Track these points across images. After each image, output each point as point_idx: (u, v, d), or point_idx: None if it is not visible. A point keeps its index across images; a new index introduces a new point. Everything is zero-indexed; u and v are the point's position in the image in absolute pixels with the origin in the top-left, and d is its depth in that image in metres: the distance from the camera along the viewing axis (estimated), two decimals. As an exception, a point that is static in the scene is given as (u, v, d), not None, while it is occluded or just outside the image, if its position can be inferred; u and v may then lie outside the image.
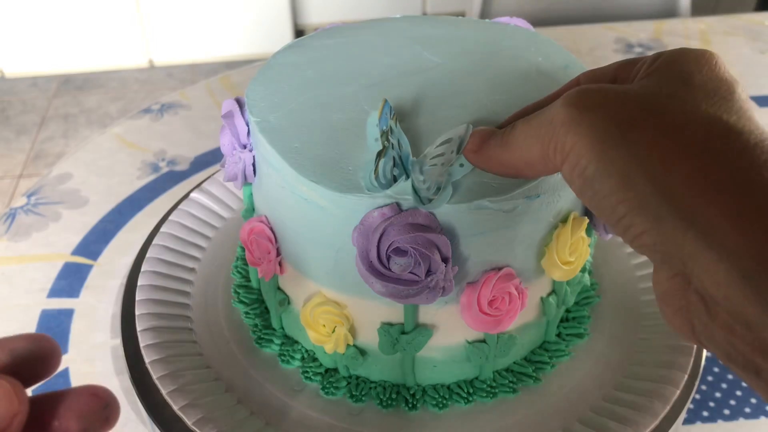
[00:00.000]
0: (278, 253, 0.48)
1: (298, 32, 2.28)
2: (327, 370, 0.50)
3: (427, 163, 0.40)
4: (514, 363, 0.51)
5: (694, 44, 1.00)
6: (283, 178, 0.44)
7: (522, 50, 0.52)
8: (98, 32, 2.14)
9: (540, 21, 1.17)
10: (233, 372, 0.51)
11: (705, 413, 0.55)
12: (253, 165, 0.49)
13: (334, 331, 0.46)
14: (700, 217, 0.27)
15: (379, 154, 0.39)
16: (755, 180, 0.27)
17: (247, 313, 0.54)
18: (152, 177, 0.77)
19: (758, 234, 0.26)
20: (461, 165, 0.41)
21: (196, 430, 0.46)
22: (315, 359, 0.51)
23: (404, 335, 0.46)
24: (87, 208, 0.73)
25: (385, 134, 0.40)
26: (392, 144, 0.40)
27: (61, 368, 0.58)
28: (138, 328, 0.52)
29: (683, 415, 0.48)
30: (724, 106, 0.30)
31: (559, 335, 0.53)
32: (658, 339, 0.52)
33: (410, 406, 0.48)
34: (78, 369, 0.58)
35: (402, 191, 0.40)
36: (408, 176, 0.40)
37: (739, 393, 0.56)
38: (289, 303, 0.50)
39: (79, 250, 0.68)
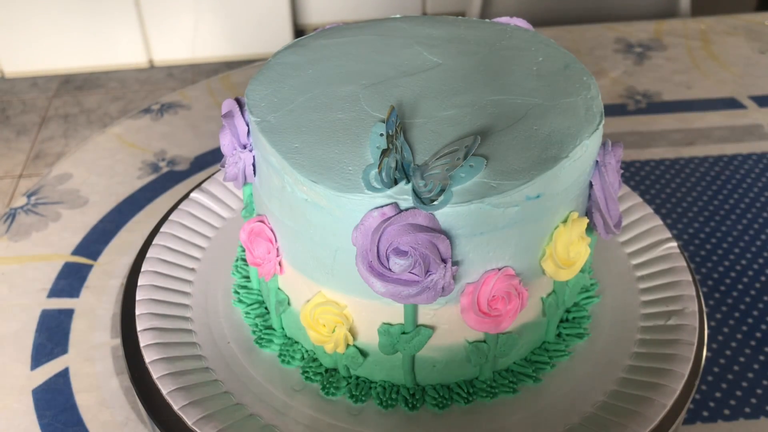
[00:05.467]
0: (278, 253, 0.48)
1: (298, 32, 2.28)
2: (327, 370, 0.50)
3: (428, 170, 0.41)
4: (514, 363, 0.51)
5: (694, 44, 1.00)
6: (283, 178, 0.44)
7: (522, 50, 0.52)
8: (98, 32, 2.14)
9: (540, 21, 1.17)
10: (233, 372, 0.51)
11: (705, 413, 0.55)
12: (253, 165, 0.49)
13: (334, 331, 0.46)
14: None
15: (384, 152, 0.40)
16: None
17: (247, 313, 0.54)
18: (152, 177, 0.77)
19: None
20: (471, 165, 0.41)
21: (196, 430, 0.46)
22: (315, 359, 0.51)
23: (404, 335, 0.46)
24: (87, 208, 0.73)
25: (391, 137, 0.41)
26: (396, 147, 0.40)
27: (61, 368, 0.58)
28: (138, 328, 0.52)
29: (683, 415, 0.48)
30: None
31: (559, 335, 0.53)
32: (658, 339, 0.52)
33: (410, 406, 0.48)
34: (78, 369, 0.58)
35: (402, 191, 0.40)
36: (409, 181, 0.41)
37: (739, 393, 0.56)
38: (289, 303, 0.50)
39: (79, 250, 0.68)
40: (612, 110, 0.87)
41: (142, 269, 0.56)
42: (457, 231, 0.41)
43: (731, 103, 0.88)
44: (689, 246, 0.69)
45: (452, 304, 0.45)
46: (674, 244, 0.58)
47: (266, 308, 0.55)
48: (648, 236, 0.59)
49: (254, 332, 0.53)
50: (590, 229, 0.49)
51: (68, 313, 0.62)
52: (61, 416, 0.55)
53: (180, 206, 0.62)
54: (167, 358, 0.50)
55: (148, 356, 0.50)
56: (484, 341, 0.47)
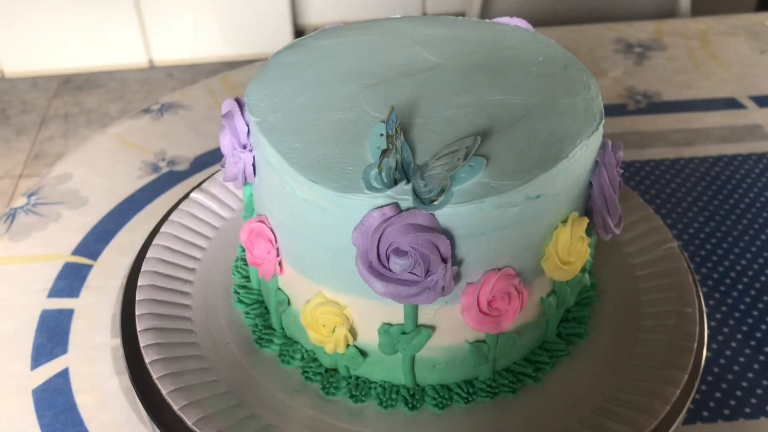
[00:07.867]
0: (278, 253, 0.48)
1: (298, 32, 2.28)
2: (327, 370, 0.50)
3: (428, 170, 0.41)
4: (514, 363, 0.51)
5: (694, 44, 1.00)
6: (283, 178, 0.44)
7: (522, 50, 0.52)
8: (98, 32, 2.14)
9: (540, 21, 1.17)
10: (233, 372, 0.51)
11: (705, 413, 0.55)
12: (253, 165, 0.49)
13: (334, 331, 0.46)
14: None
15: (384, 152, 0.40)
16: None
17: (247, 313, 0.54)
18: (152, 177, 0.77)
19: None
20: (471, 165, 0.41)
21: (196, 430, 0.46)
22: (315, 359, 0.51)
23: (404, 335, 0.46)
24: (87, 208, 0.73)
25: (391, 137, 0.41)
26: (396, 147, 0.40)
27: (60, 368, 0.58)
28: (138, 328, 0.52)
29: (683, 415, 0.48)
30: None
31: (559, 335, 0.53)
32: (658, 339, 0.52)
33: (410, 406, 0.48)
34: (78, 369, 0.58)
35: (402, 191, 0.40)
36: (409, 181, 0.41)
37: (739, 393, 0.56)
38: (289, 303, 0.50)
39: (79, 250, 0.68)
40: (612, 110, 0.87)
41: (142, 269, 0.56)
42: (458, 231, 0.41)
43: (731, 103, 0.88)
44: (689, 246, 0.69)
45: (452, 304, 0.45)
46: (674, 244, 0.58)
47: (266, 308, 0.55)
48: (648, 236, 0.59)
49: (254, 332, 0.53)
50: (590, 229, 0.49)
51: (68, 313, 0.62)
52: (61, 416, 0.55)
53: (180, 206, 0.62)
54: (167, 358, 0.50)
55: (148, 356, 0.50)
56: (484, 341, 0.47)
